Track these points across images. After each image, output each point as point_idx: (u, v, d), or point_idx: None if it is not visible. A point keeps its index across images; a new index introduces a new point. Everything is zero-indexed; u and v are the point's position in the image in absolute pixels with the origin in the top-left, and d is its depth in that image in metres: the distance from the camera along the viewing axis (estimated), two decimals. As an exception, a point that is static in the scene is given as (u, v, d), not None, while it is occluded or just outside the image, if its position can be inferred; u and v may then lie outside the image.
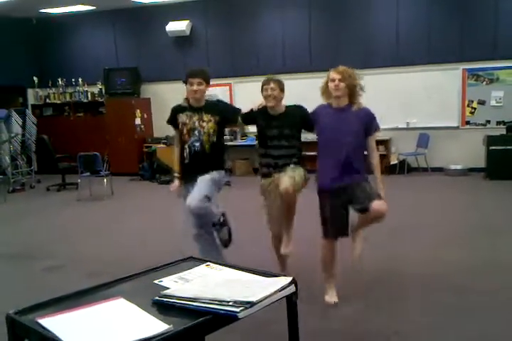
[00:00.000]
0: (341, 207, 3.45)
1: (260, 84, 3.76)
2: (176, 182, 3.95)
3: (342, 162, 3.39)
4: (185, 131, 3.81)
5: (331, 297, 3.57)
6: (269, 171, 3.72)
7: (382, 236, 5.20)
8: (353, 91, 3.39)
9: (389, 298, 3.61)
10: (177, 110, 3.91)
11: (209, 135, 3.76)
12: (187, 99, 3.88)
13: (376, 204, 3.24)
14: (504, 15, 8.72)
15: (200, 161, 3.79)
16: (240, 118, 3.89)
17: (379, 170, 3.53)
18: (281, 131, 3.66)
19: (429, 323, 3.17)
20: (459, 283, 3.82)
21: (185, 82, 3.77)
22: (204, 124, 3.76)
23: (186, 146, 3.82)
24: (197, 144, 3.77)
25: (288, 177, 3.51)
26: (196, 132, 3.76)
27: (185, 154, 3.83)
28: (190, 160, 3.81)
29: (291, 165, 3.68)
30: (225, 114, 3.85)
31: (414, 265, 4.28)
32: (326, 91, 3.46)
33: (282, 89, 3.71)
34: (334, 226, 3.47)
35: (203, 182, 3.71)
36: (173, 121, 3.93)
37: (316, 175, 3.57)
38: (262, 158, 3.78)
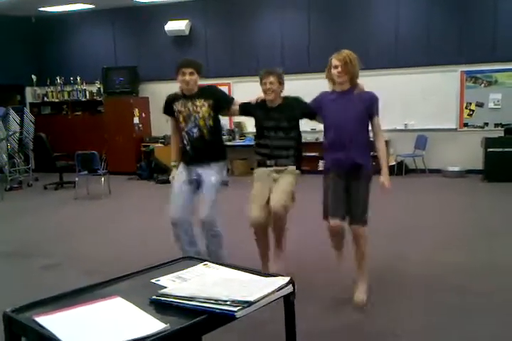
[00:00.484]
0: (341, 189, 3.49)
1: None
2: (174, 172, 3.97)
3: (346, 144, 3.45)
4: (181, 118, 3.83)
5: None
6: (263, 160, 3.75)
7: (381, 237, 5.21)
8: (353, 76, 3.46)
9: (388, 299, 3.61)
10: (172, 99, 3.91)
11: (204, 119, 3.77)
12: (181, 89, 3.88)
13: (355, 230, 3.47)
14: (503, 17, 8.74)
15: (201, 147, 3.82)
16: (236, 107, 3.91)
17: (384, 155, 3.58)
18: (278, 122, 3.68)
19: (429, 324, 3.17)
20: (457, 285, 3.82)
21: (177, 73, 3.76)
22: (198, 109, 3.77)
23: (184, 133, 3.84)
24: (195, 130, 3.79)
25: (281, 193, 3.56)
26: (192, 118, 3.78)
27: (185, 141, 3.85)
28: (191, 146, 3.83)
29: (288, 168, 3.70)
30: (218, 97, 3.87)
31: (412, 266, 4.28)
32: (330, 77, 3.53)
33: (281, 82, 3.72)
34: (332, 204, 3.50)
35: (209, 190, 3.76)
36: (168, 109, 3.94)
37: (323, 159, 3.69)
38: (258, 148, 3.80)
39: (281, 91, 3.75)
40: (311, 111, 3.69)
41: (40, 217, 6.99)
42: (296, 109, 3.73)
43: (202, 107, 3.77)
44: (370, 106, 3.54)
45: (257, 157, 3.83)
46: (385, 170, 3.54)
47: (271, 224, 3.69)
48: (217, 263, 1.97)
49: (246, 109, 3.89)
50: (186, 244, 3.89)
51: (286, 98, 3.78)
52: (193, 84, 3.76)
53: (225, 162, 3.99)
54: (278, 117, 3.69)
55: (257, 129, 3.82)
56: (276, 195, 3.59)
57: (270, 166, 3.73)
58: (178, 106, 3.84)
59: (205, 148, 3.81)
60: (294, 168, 3.75)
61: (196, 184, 3.87)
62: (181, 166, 3.93)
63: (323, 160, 3.68)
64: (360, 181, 3.48)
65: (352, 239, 3.54)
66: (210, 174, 3.79)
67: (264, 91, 3.69)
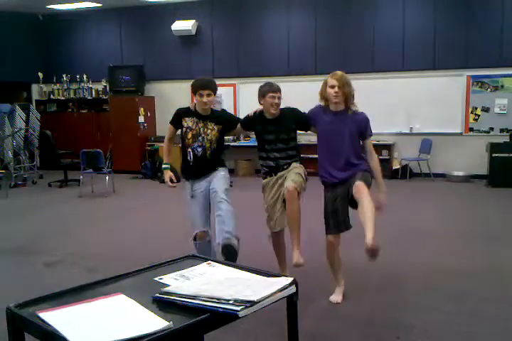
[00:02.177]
0: (341, 199, 3.54)
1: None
2: (168, 174, 4.07)
3: (341, 162, 3.54)
4: (189, 135, 3.94)
5: (336, 296, 3.65)
6: (270, 172, 3.84)
7: (383, 240, 5.20)
8: (348, 97, 3.51)
9: (390, 302, 3.61)
10: (184, 113, 4.01)
11: (211, 142, 3.92)
12: (194, 106, 3.99)
13: (357, 184, 3.36)
14: (510, 22, 8.72)
15: (202, 165, 3.96)
16: (239, 125, 4.03)
17: (379, 172, 3.61)
18: (277, 135, 3.77)
19: (430, 329, 3.16)
20: (460, 289, 3.82)
21: (195, 92, 3.89)
22: (208, 132, 3.92)
23: (190, 150, 3.96)
24: (199, 149, 3.93)
25: (294, 174, 3.64)
26: (200, 138, 3.91)
27: (188, 157, 3.97)
28: (194, 162, 3.96)
29: (296, 164, 3.79)
30: (228, 122, 4.02)
31: (415, 270, 4.28)
32: (324, 96, 3.58)
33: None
34: (334, 219, 3.57)
35: (219, 180, 3.90)
36: (176, 122, 4.03)
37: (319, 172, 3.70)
38: (262, 161, 3.90)
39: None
40: (306, 122, 3.76)
41: (44, 214, 7.01)
42: (292, 120, 3.80)
43: (212, 131, 3.92)
44: (364, 128, 3.59)
45: (262, 168, 3.93)
46: (382, 188, 3.62)
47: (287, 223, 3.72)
48: (220, 263, 1.98)
49: (247, 124, 3.99)
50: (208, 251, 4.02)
51: (282, 109, 3.83)
52: (209, 105, 3.91)
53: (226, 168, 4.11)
54: (276, 129, 3.78)
55: (258, 142, 3.92)
56: (288, 179, 3.64)
57: (274, 174, 3.82)
58: (188, 122, 3.95)
59: (207, 165, 3.97)
60: (297, 163, 3.84)
61: (206, 193, 3.97)
62: (190, 182, 4.01)
63: (319, 174, 3.69)
64: (357, 173, 3.49)
65: (355, 193, 3.37)
66: (218, 171, 3.96)
67: (271, 105, 3.72)
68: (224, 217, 3.78)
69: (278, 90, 3.74)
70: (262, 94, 3.74)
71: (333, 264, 3.72)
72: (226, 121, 4.02)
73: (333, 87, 3.47)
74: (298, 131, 3.88)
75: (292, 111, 3.86)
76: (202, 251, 3.88)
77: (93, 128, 11.25)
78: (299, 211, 3.58)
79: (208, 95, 3.85)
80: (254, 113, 3.88)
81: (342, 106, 3.55)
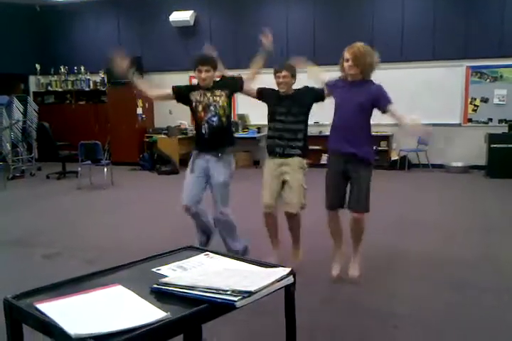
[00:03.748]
0: (341, 176, 3.67)
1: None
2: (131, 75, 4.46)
3: (347, 132, 3.61)
4: (200, 108, 3.96)
5: (335, 270, 3.85)
6: (272, 146, 3.95)
7: (382, 231, 5.21)
8: (364, 69, 3.59)
9: (387, 291, 3.62)
10: (191, 88, 4.08)
11: (224, 108, 3.93)
12: (197, 82, 4.02)
13: (355, 215, 3.62)
14: (510, 12, 8.68)
15: (219, 135, 3.97)
16: (254, 88, 4.12)
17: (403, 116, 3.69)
18: (289, 108, 3.90)
19: (427, 318, 3.18)
20: (459, 279, 3.83)
21: (194, 68, 3.91)
22: (218, 99, 3.92)
23: (204, 122, 3.96)
24: (215, 119, 3.93)
25: (292, 193, 3.82)
26: (212, 107, 3.92)
27: (203, 130, 3.96)
28: (210, 135, 3.96)
29: (295, 159, 3.88)
30: (230, 85, 4.04)
31: (413, 260, 4.28)
32: (343, 69, 3.66)
33: (294, 75, 3.94)
34: (330, 193, 3.72)
35: (220, 190, 3.95)
36: (181, 91, 4.08)
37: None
38: (269, 131, 4.02)
39: (293, 83, 3.96)
40: (322, 92, 3.91)
41: (42, 206, 7.00)
42: (307, 95, 3.95)
43: (221, 97, 3.93)
44: (378, 97, 3.62)
45: (267, 141, 4.06)
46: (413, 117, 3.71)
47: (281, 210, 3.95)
48: (218, 253, 1.98)
49: (262, 92, 4.10)
50: (199, 231, 4.19)
51: (297, 89, 3.99)
52: (209, 81, 3.89)
53: (233, 150, 4.14)
54: (289, 104, 3.91)
55: (268, 113, 4.02)
56: (289, 196, 3.85)
57: (278, 154, 3.92)
58: (196, 96, 3.97)
59: (223, 134, 3.99)
60: (300, 159, 3.91)
61: (207, 178, 4.01)
62: (194, 155, 4.07)
63: (328, 144, 3.83)
64: (361, 169, 3.61)
65: (350, 223, 3.68)
66: (220, 172, 3.93)
67: (278, 84, 3.93)
68: (224, 234, 4.08)
69: (282, 69, 3.90)
70: (273, 74, 3.96)
71: (334, 239, 3.91)
72: (230, 84, 4.03)
73: (347, 60, 3.56)
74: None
75: (306, 87, 3.99)
76: (197, 225, 4.14)
77: (91, 119, 11.22)
78: (299, 227, 4.02)
79: (207, 71, 3.83)
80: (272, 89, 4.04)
81: (358, 77, 3.61)
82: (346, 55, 3.57)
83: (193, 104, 3.99)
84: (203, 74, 3.83)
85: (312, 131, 9.55)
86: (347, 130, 3.61)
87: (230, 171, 3.98)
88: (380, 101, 3.59)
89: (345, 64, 3.56)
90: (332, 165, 3.75)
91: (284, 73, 3.88)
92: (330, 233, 3.88)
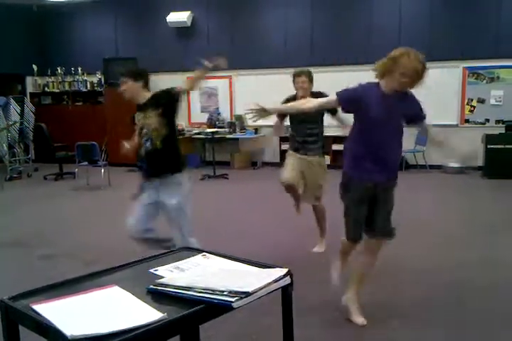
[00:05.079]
0: (367, 203, 3.04)
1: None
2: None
3: (391, 156, 3.06)
4: (137, 131, 3.62)
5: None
6: (297, 147, 4.41)
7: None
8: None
9: (386, 292, 3.62)
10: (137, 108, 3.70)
11: (157, 130, 3.48)
12: None
13: (378, 242, 3.12)
14: (506, 13, 8.70)
15: (154, 161, 3.56)
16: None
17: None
18: (305, 117, 4.16)
19: (428, 317, 3.18)
20: (456, 280, 3.83)
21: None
22: (148, 121, 3.50)
23: (141, 148, 3.61)
24: (148, 144, 3.53)
25: (314, 190, 4.41)
26: (145, 130, 3.53)
27: (142, 155, 3.62)
28: (146, 160, 3.60)
29: (317, 158, 4.42)
30: (164, 102, 3.50)
31: (411, 262, 4.29)
32: (385, 72, 2.94)
33: (311, 80, 4.27)
34: (356, 225, 3.09)
35: (174, 215, 3.53)
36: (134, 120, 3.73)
37: (347, 164, 3.11)
38: (292, 137, 4.48)
39: (311, 88, 4.28)
40: (331, 109, 4.01)
41: (39, 207, 6.99)
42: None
43: (152, 118, 3.48)
44: (418, 109, 3.14)
45: (291, 143, 4.52)
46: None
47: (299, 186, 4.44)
48: (215, 254, 1.97)
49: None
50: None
51: (312, 92, 4.23)
52: (129, 93, 3.55)
53: (184, 172, 3.62)
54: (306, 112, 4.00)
55: (290, 122, 4.43)
56: (311, 192, 4.43)
57: (302, 152, 4.40)
58: (136, 118, 3.62)
59: (159, 161, 3.55)
60: (322, 159, 4.52)
61: (157, 206, 3.63)
62: (144, 185, 3.72)
63: (349, 168, 3.07)
64: (390, 190, 3.10)
65: (366, 250, 3.19)
66: (171, 196, 3.50)
67: (297, 89, 4.25)
68: None
69: (301, 74, 4.21)
70: (292, 80, 4.31)
71: (342, 259, 3.44)
72: (160, 100, 3.51)
73: (403, 75, 2.82)
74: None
75: (321, 94, 4.03)
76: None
77: (88, 120, 11.20)
78: (323, 217, 4.55)
79: (124, 83, 3.49)
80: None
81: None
82: (408, 70, 2.80)
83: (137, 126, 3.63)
84: (122, 88, 3.51)
85: (329, 132, 9.59)
86: (389, 155, 3.01)
87: (182, 192, 3.52)
88: (420, 114, 3.16)
89: (401, 78, 2.83)
90: (356, 193, 3.01)
91: (303, 78, 4.18)
92: (340, 259, 3.42)
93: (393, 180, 3.09)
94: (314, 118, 4.24)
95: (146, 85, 3.63)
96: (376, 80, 3.01)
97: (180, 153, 3.65)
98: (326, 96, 3.56)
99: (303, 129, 4.32)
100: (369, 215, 3.06)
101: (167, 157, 3.54)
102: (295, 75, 4.27)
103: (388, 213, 3.08)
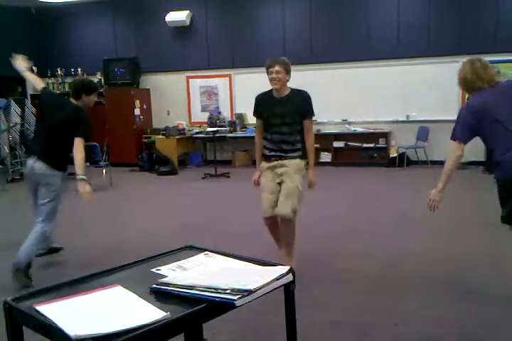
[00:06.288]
0: None
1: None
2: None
3: None
4: None
5: None
6: (270, 154, 3.80)
7: (381, 228, 5.22)
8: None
9: (386, 289, 3.62)
10: None
11: None
12: None
13: None
14: (505, 8, 8.68)
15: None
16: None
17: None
18: (282, 119, 3.69)
19: (428, 314, 3.18)
20: (457, 275, 3.83)
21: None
22: None
23: None
24: None
25: (287, 196, 3.60)
26: None
27: None
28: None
29: (292, 161, 3.72)
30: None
31: (413, 257, 4.29)
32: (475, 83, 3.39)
33: (288, 71, 3.69)
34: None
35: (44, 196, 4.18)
36: None
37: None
38: (266, 142, 3.83)
39: (287, 81, 3.72)
40: (308, 110, 3.74)
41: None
42: (298, 103, 3.73)
43: None
44: None
45: (265, 151, 3.87)
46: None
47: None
48: (217, 253, 1.98)
49: (257, 112, 3.89)
50: None
51: (294, 91, 3.77)
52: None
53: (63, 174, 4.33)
54: (282, 113, 3.70)
55: (264, 123, 3.84)
56: (283, 200, 3.64)
57: (276, 161, 3.77)
58: None
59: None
60: (298, 161, 3.76)
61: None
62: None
63: (502, 166, 3.47)
64: None
65: None
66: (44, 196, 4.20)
67: (270, 80, 3.65)
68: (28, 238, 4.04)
69: (275, 64, 3.64)
70: (266, 70, 3.71)
71: None
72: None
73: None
74: None
75: (301, 94, 3.77)
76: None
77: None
78: (293, 235, 3.75)
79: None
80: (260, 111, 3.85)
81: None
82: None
83: None
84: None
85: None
86: None
87: (54, 188, 4.26)
88: None
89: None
90: None
91: (277, 68, 3.61)
92: None
93: None
94: (292, 119, 3.73)
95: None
96: None
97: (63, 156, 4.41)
98: (307, 95, 3.71)
99: (278, 133, 3.75)
100: None
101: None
102: (268, 66, 3.66)
103: None
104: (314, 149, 3.85)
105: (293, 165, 3.72)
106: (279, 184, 3.73)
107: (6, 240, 5.34)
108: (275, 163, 3.76)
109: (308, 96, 3.77)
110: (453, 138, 3.46)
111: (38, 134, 4.35)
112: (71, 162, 4.21)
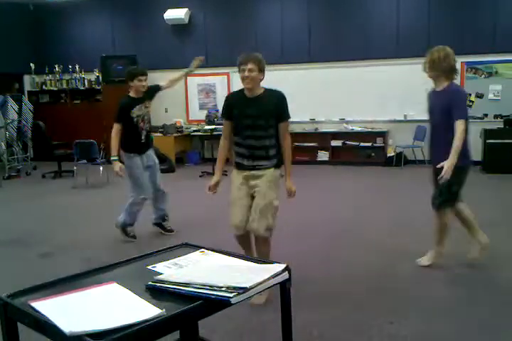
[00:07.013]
0: None
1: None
2: (117, 164, 5.32)
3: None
4: (136, 123, 5.48)
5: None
6: (242, 163, 3.42)
7: (380, 228, 5.22)
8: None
9: (382, 288, 3.63)
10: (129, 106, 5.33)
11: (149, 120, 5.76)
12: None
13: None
14: (504, 8, 8.69)
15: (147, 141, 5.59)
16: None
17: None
18: (255, 121, 3.33)
19: (424, 314, 3.18)
20: (458, 275, 3.84)
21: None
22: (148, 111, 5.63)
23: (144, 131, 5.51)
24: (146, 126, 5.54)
25: (261, 212, 3.28)
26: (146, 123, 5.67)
27: (143, 136, 5.49)
28: (145, 140, 5.52)
29: (267, 172, 3.36)
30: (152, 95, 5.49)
31: (412, 258, 4.29)
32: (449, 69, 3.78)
33: (262, 69, 3.37)
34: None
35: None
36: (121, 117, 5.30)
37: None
38: (237, 147, 3.45)
39: (260, 80, 3.40)
40: (283, 112, 3.36)
41: (38, 205, 6.99)
42: (272, 104, 3.36)
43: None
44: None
45: (236, 158, 3.47)
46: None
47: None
48: (213, 250, 1.98)
49: (227, 112, 3.49)
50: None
51: (269, 90, 3.43)
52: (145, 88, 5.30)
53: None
54: (255, 114, 3.33)
55: (235, 126, 3.44)
56: (257, 218, 3.30)
57: (248, 170, 3.40)
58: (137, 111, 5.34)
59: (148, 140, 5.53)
60: (272, 171, 3.38)
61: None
62: (139, 157, 5.41)
63: (465, 154, 4.00)
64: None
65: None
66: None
67: (242, 79, 3.34)
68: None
69: (248, 61, 3.32)
70: (238, 68, 3.38)
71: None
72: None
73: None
74: None
75: (276, 95, 3.42)
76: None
77: (86, 118, 11.19)
78: (269, 252, 3.41)
79: (146, 80, 4.99)
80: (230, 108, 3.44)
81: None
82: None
83: (135, 119, 5.16)
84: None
85: (306, 127, 9.61)
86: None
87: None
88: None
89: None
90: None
91: (249, 66, 3.29)
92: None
93: None
94: (266, 122, 3.33)
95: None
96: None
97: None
98: (282, 95, 3.39)
99: (250, 137, 3.35)
100: None
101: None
102: (240, 63, 3.35)
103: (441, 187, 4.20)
104: (291, 154, 3.45)
105: (267, 177, 3.35)
106: (252, 196, 3.40)
107: (3, 237, 5.33)
108: (247, 173, 3.40)
109: (284, 96, 3.41)
110: (465, 117, 3.69)
111: None
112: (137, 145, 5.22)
